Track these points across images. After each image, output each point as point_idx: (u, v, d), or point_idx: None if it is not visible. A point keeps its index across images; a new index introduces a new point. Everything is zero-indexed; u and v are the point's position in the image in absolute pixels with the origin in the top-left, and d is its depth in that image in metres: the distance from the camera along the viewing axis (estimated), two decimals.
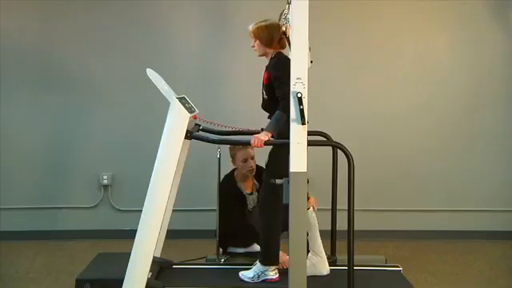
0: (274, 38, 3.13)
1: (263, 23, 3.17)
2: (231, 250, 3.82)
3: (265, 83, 3.17)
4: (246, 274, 3.24)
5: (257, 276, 3.20)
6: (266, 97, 3.18)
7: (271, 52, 3.18)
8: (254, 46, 3.22)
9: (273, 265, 3.21)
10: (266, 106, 3.21)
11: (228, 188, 3.82)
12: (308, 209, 3.25)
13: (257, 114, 3.40)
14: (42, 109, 4.88)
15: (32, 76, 4.87)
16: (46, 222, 4.88)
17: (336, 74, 4.93)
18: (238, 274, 3.26)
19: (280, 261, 3.42)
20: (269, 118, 3.16)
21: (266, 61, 3.28)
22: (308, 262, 3.19)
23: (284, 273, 3.10)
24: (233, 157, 3.82)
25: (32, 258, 4.37)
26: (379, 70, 4.99)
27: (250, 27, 3.20)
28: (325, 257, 3.38)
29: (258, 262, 3.23)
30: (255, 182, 3.89)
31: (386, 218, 5.01)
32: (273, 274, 3.21)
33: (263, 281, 3.19)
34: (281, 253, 3.38)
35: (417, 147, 5.01)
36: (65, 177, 4.92)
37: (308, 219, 3.29)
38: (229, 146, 3.81)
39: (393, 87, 5.01)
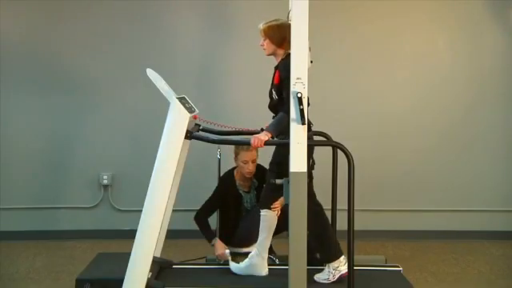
0: (285, 38, 3.02)
1: (274, 22, 3.11)
2: (231, 250, 3.81)
3: (275, 83, 3.08)
4: (321, 276, 3.16)
5: (332, 275, 3.14)
6: (275, 97, 3.09)
7: (281, 52, 3.10)
8: (263, 45, 3.14)
9: (338, 257, 3.15)
10: (274, 106, 3.12)
11: (226, 186, 3.83)
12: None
13: (257, 114, 3.40)
14: (42, 109, 4.88)
15: (32, 76, 4.87)
16: (46, 221, 4.88)
17: (336, 73, 4.93)
18: (314, 278, 3.15)
19: (216, 253, 3.57)
20: (273, 118, 3.10)
21: (267, 61, 3.26)
22: (248, 261, 3.24)
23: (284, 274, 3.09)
24: (235, 155, 3.82)
25: (32, 258, 4.37)
26: (379, 70, 4.99)
27: (261, 26, 3.12)
28: (266, 257, 3.28)
29: (326, 264, 3.18)
30: (254, 180, 3.89)
31: (385, 218, 5.01)
32: (344, 267, 3.12)
33: (340, 276, 3.12)
34: (219, 244, 3.57)
35: (417, 147, 5.00)
36: (65, 177, 4.92)
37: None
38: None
39: (393, 87, 5.01)
